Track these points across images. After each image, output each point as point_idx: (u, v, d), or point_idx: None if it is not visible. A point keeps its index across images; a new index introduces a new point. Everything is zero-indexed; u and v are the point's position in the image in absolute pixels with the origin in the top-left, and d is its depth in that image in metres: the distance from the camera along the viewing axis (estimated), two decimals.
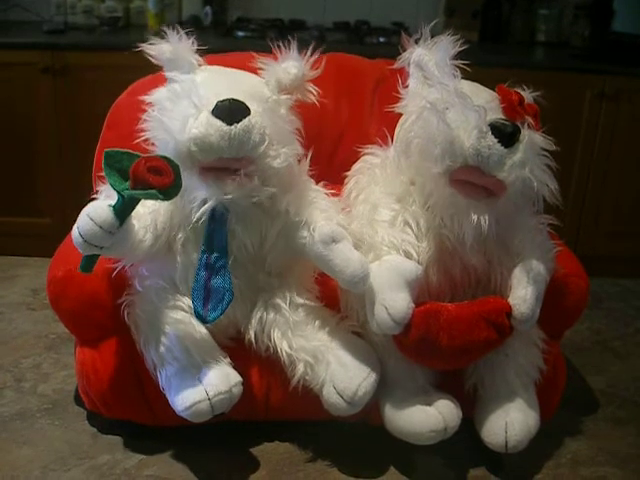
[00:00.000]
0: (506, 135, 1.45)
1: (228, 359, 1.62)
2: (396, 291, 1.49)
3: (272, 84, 1.63)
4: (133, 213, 1.45)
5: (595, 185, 2.78)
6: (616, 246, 2.84)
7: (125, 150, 1.40)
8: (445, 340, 1.51)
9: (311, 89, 1.69)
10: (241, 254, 1.59)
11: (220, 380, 1.55)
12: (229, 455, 1.75)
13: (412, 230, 1.58)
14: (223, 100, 1.46)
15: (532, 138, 1.51)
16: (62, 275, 1.65)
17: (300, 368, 1.60)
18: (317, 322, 1.63)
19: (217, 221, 1.54)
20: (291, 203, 1.57)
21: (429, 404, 1.62)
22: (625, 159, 2.74)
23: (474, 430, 1.68)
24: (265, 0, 3.15)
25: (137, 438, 1.77)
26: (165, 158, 1.39)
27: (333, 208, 1.61)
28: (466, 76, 1.62)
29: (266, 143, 1.48)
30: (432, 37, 1.65)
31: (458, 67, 1.61)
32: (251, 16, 3.08)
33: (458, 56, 1.61)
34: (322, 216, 1.56)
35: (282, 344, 1.61)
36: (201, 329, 1.60)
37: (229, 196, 1.49)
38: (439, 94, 1.53)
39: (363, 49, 2.62)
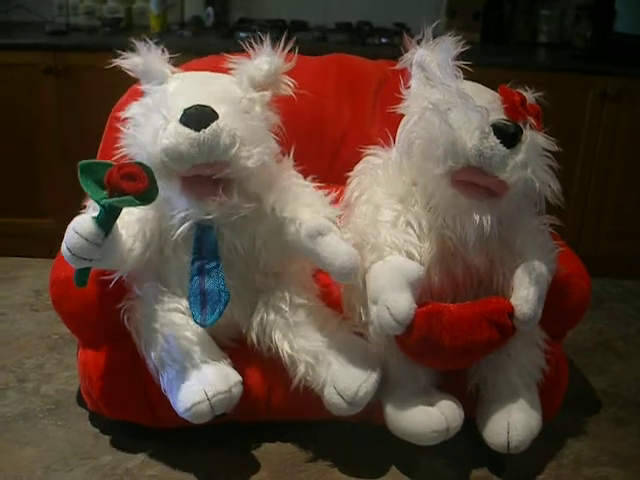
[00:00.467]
0: (508, 136, 1.45)
1: (228, 359, 1.62)
2: (398, 291, 1.49)
3: (245, 82, 1.62)
4: (121, 222, 1.47)
5: (597, 185, 2.78)
6: (618, 246, 2.84)
7: (100, 161, 1.42)
8: (447, 340, 1.51)
9: (287, 82, 1.68)
10: (232, 255, 1.59)
11: (219, 380, 1.55)
12: (230, 455, 1.75)
13: (414, 231, 1.59)
14: (189, 107, 1.46)
15: (534, 139, 1.51)
16: (65, 276, 1.65)
17: (301, 369, 1.60)
18: (318, 322, 1.63)
19: (205, 227, 1.55)
20: (276, 201, 1.57)
21: (431, 404, 1.62)
22: (627, 159, 2.74)
23: (476, 430, 1.68)
24: (267, 1, 3.15)
25: (139, 438, 1.77)
26: (139, 164, 1.41)
27: (319, 201, 1.59)
28: (468, 77, 1.62)
29: (237, 145, 1.47)
30: (434, 38, 1.65)
31: (460, 68, 1.61)
32: (253, 17, 3.08)
33: (460, 57, 1.61)
34: (308, 210, 1.55)
35: (283, 345, 1.61)
36: (199, 330, 1.60)
37: (210, 216, 1.50)
38: (441, 95, 1.53)
39: (365, 50, 2.62)
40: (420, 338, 1.51)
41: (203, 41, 2.83)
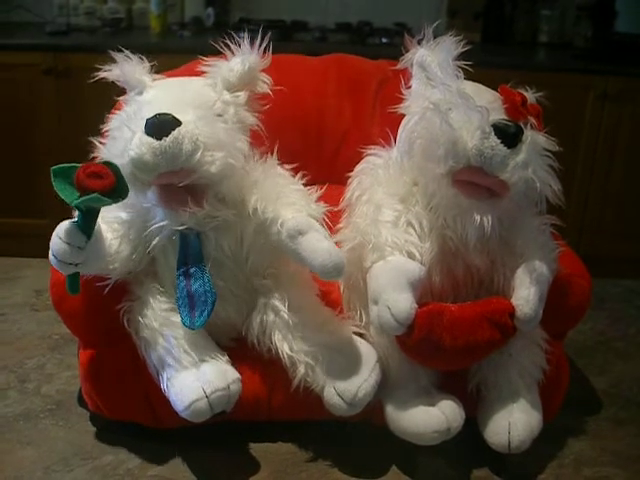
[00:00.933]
0: (509, 136, 1.45)
1: (227, 357, 1.62)
2: (399, 292, 1.49)
3: (219, 85, 1.62)
4: (106, 226, 1.52)
5: (598, 185, 2.77)
6: (619, 247, 2.84)
7: (72, 164, 1.42)
8: (448, 341, 1.51)
9: (264, 79, 1.67)
10: (220, 255, 1.59)
11: (217, 377, 1.55)
12: (231, 456, 1.75)
13: (415, 231, 1.59)
14: (151, 117, 1.47)
15: (535, 139, 1.51)
16: (65, 278, 1.65)
17: (301, 370, 1.60)
18: (318, 323, 1.63)
19: (188, 234, 1.55)
20: (258, 201, 1.57)
21: (432, 404, 1.62)
22: (628, 159, 2.74)
23: (477, 430, 1.68)
24: (267, 1, 3.16)
25: (140, 439, 1.77)
26: (105, 162, 1.42)
27: (303, 199, 1.59)
28: (469, 77, 1.62)
29: (200, 151, 1.46)
30: (435, 38, 1.65)
31: (461, 68, 1.61)
32: (253, 17, 3.08)
33: (461, 57, 1.62)
34: (290, 210, 1.55)
35: (283, 346, 1.61)
36: (198, 329, 1.60)
37: (184, 226, 1.50)
38: (442, 95, 1.53)
39: (365, 50, 2.62)
40: (421, 338, 1.51)
41: (203, 41, 2.82)
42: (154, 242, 1.56)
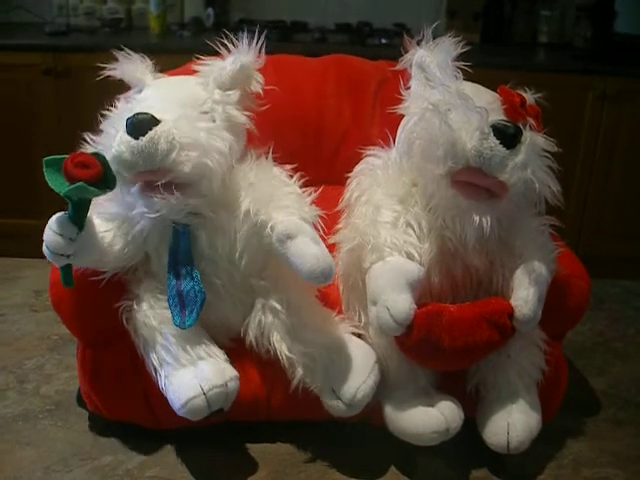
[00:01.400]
0: (508, 136, 1.45)
1: (225, 356, 1.63)
2: (398, 292, 1.49)
3: (211, 84, 1.63)
4: (99, 220, 1.54)
5: (597, 186, 2.78)
6: (618, 247, 2.84)
7: (63, 155, 1.45)
8: (447, 341, 1.51)
9: (257, 78, 1.68)
10: (214, 254, 1.60)
11: (214, 375, 1.55)
12: (230, 456, 1.75)
13: (414, 231, 1.59)
14: (131, 116, 1.48)
15: (534, 139, 1.51)
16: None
17: (299, 371, 1.61)
18: (316, 324, 1.63)
19: (179, 231, 1.56)
20: (251, 203, 1.57)
21: (431, 405, 1.62)
22: (627, 160, 2.74)
23: (476, 431, 1.68)
24: (267, 2, 3.16)
25: (139, 439, 1.77)
26: (92, 153, 1.46)
27: (296, 202, 1.59)
28: (468, 77, 1.62)
29: (176, 150, 1.47)
30: (434, 39, 1.65)
31: (460, 68, 1.61)
32: (253, 18, 3.08)
33: (460, 57, 1.62)
34: (282, 213, 1.55)
35: (281, 347, 1.61)
36: (198, 328, 1.61)
37: (159, 214, 1.51)
38: (441, 95, 1.53)
39: (365, 50, 2.62)
40: (420, 339, 1.51)
41: (203, 42, 2.82)
42: (137, 229, 1.56)
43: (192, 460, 1.73)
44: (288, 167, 1.68)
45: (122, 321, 1.63)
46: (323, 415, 1.63)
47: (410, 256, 1.55)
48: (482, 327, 1.52)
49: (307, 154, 1.96)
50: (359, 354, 1.62)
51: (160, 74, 1.72)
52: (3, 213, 2.75)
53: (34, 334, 2.28)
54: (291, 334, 1.60)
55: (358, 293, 1.65)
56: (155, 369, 1.61)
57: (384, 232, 1.56)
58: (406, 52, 1.68)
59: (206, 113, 1.58)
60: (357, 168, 1.75)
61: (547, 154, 1.53)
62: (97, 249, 1.53)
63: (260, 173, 1.64)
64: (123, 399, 1.72)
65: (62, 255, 1.46)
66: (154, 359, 1.60)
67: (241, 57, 1.64)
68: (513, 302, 1.54)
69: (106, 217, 1.58)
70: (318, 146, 2.01)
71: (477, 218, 1.49)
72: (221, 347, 1.64)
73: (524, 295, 1.53)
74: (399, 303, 1.48)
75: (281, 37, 2.85)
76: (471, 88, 1.60)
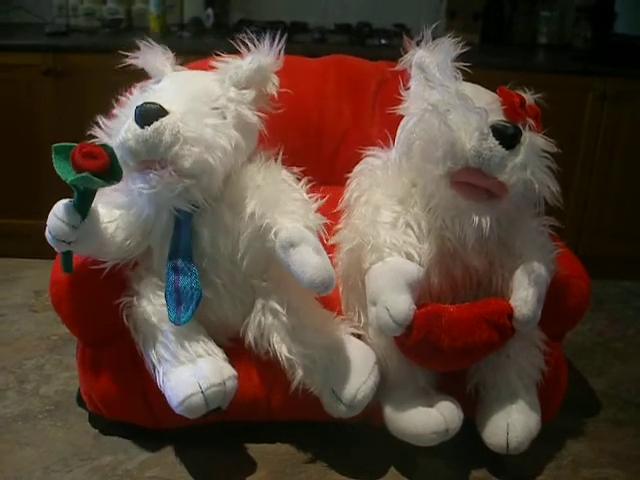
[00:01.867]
0: (507, 137, 1.45)
1: (223, 354, 1.63)
2: (397, 293, 1.49)
3: (226, 82, 1.63)
4: (104, 212, 1.55)
5: (597, 187, 2.78)
6: (618, 248, 2.84)
7: (72, 144, 1.46)
8: (446, 342, 1.51)
9: (273, 80, 1.68)
10: (216, 253, 1.60)
11: (213, 373, 1.55)
12: (230, 456, 1.75)
13: (414, 232, 1.59)
14: (140, 105, 1.49)
15: (533, 140, 1.51)
16: (64, 278, 1.65)
17: (299, 372, 1.61)
18: (316, 325, 1.63)
19: (182, 224, 1.57)
20: (257, 205, 1.57)
21: (430, 405, 1.62)
22: (627, 160, 2.74)
23: (475, 431, 1.68)
24: (267, 2, 3.15)
25: (139, 439, 1.77)
26: (101, 144, 1.47)
27: (302, 209, 1.59)
28: (468, 78, 1.62)
29: (179, 143, 1.48)
30: (433, 39, 1.65)
31: (459, 69, 1.61)
32: (253, 18, 3.08)
33: (460, 58, 1.62)
34: (287, 218, 1.55)
35: (281, 348, 1.61)
36: (197, 326, 1.61)
37: (154, 189, 1.50)
38: (441, 96, 1.53)
39: (364, 51, 2.62)
40: (419, 339, 1.51)
41: (203, 42, 2.83)
42: (142, 218, 1.58)
43: (192, 460, 1.73)
44: (296, 169, 1.69)
45: (122, 318, 1.63)
46: (323, 415, 1.63)
47: (409, 256, 1.55)
48: (481, 327, 1.52)
49: (307, 154, 1.95)
50: (359, 355, 1.62)
51: (180, 67, 1.72)
52: (3, 213, 2.75)
53: (34, 334, 2.28)
54: (291, 335, 1.60)
55: (358, 293, 1.65)
56: (154, 366, 1.61)
57: (383, 232, 1.56)
58: (406, 52, 1.68)
59: (217, 109, 1.58)
60: (357, 168, 1.75)
61: (546, 155, 1.54)
62: (99, 239, 1.54)
63: (268, 175, 1.64)
64: (123, 398, 1.72)
65: (64, 241, 1.48)
66: (153, 356, 1.61)
67: (260, 57, 1.64)
68: (512, 303, 1.54)
69: (111, 207, 1.59)
70: (318, 146, 2.01)
71: (476, 219, 1.49)
72: (220, 346, 1.64)
73: (523, 296, 1.53)
74: (399, 304, 1.48)
75: (281, 37, 2.84)
76: (471, 89, 1.60)
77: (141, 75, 1.98)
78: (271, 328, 1.62)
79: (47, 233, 1.49)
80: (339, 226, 1.70)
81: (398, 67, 1.71)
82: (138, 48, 1.69)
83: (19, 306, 2.45)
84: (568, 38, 3.10)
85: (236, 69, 1.64)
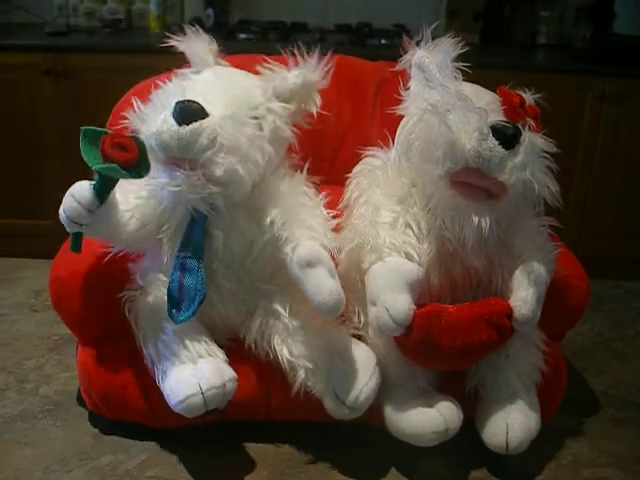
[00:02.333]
0: (507, 137, 1.45)
1: (224, 356, 1.63)
2: (397, 293, 1.49)
3: (269, 91, 1.62)
4: (121, 199, 1.54)
5: (596, 187, 2.78)
6: (617, 248, 2.84)
7: (102, 129, 1.46)
8: (446, 342, 1.51)
9: (315, 99, 1.67)
10: (228, 257, 1.60)
11: (213, 375, 1.55)
12: (230, 456, 1.75)
13: (413, 232, 1.59)
14: (180, 101, 1.48)
15: (533, 140, 1.51)
16: (64, 275, 1.66)
17: (301, 374, 1.61)
18: (317, 327, 1.63)
19: (197, 222, 1.56)
20: (277, 216, 1.57)
21: (430, 406, 1.62)
22: (626, 161, 2.74)
23: (475, 431, 1.68)
24: (267, 2, 3.15)
25: (139, 439, 1.78)
26: (133, 137, 1.46)
27: (321, 226, 1.59)
28: (467, 78, 1.62)
29: (214, 149, 1.47)
30: (433, 39, 1.65)
31: (459, 69, 1.61)
32: (253, 18, 3.08)
33: (459, 58, 1.62)
34: (306, 234, 1.55)
35: (282, 350, 1.61)
36: (198, 325, 1.61)
37: (179, 188, 1.50)
38: (440, 96, 1.53)
39: (364, 51, 2.62)
40: (419, 339, 1.51)
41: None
42: (158, 210, 1.57)
43: (192, 460, 1.73)
44: (315, 179, 1.69)
45: (123, 313, 1.63)
46: (323, 416, 1.63)
47: (409, 257, 1.55)
48: (481, 327, 1.52)
49: (306, 153, 1.95)
50: (360, 356, 1.62)
51: (222, 61, 1.71)
52: (2, 213, 2.75)
53: (34, 334, 2.28)
54: (292, 337, 1.61)
55: (357, 294, 1.65)
56: (152, 362, 1.61)
57: (383, 233, 1.56)
58: (405, 53, 1.68)
59: (256, 119, 1.57)
60: (356, 169, 1.75)
61: (546, 155, 1.54)
62: (112, 225, 1.53)
63: (291, 186, 1.64)
64: (123, 397, 1.71)
65: (77, 223, 1.47)
66: (153, 352, 1.61)
67: (306, 73, 1.63)
68: (512, 303, 1.54)
69: (128, 195, 1.57)
70: (317, 146, 2.01)
71: (476, 219, 1.49)
72: (219, 346, 1.64)
73: (523, 296, 1.53)
74: (398, 303, 1.48)
75: (281, 37, 2.85)
76: (471, 89, 1.60)
77: (144, 74, 1.99)
78: (272, 330, 1.63)
79: (61, 212, 1.47)
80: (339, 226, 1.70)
81: (398, 67, 1.71)
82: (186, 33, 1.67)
83: (19, 306, 2.45)
84: (568, 38, 3.09)
85: (282, 80, 1.62)
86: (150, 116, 1.53)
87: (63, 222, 1.49)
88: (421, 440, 1.62)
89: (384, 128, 1.77)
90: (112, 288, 1.65)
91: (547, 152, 1.54)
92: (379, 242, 1.55)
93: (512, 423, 1.61)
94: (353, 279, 1.65)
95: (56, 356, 2.15)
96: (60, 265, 1.70)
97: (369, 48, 2.80)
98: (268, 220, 1.57)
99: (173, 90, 1.57)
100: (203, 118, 1.47)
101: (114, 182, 1.48)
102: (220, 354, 1.62)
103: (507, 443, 1.61)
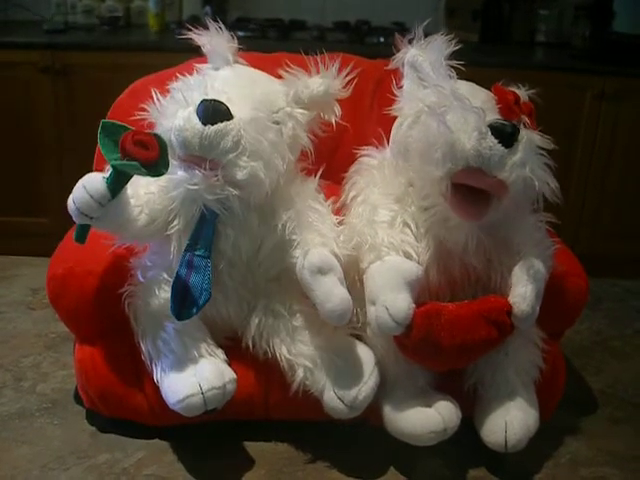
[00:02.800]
0: (506, 135, 1.45)
1: (224, 356, 1.63)
2: (397, 292, 1.49)
3: (290, 96, 1.62)
4: (131, 193, 1.51)
5: (595, 185, 2.78)
6: (616, 247, 2.84)
7: (122, 123, 1.44)
8: (446, 340, 1.51)
9: (335, 109, 1.67)
10: (236, 256, 1.59)
11: (214, 375, 1.55)
12: (228, 455, 1.75)
13: (411, 231, 1.59)
14: (206, 100, 1.47)
15: (530, 137, 1.51)
16: (62, 273, 1.65)
17: (300, 373, 1.60)
18: (316, 326, 1.62)
19: (207, 219, 1.55)
20: (288, 220, 1.57)
21: (429, 405, 1.62)
22: (625, 159, 2.74)
23: (474, 430, 1.68)
24: (265, 0, 3.15)
25: (136, 437, 1.77)
26: (155, 135, 1.43)
27: (333, 234, 1.59)
28: (466, 77, 1.62)
29: (237, 152, 1.46)
30: (426, 36, 1.64)
31: (453, 67, 1.60)
32: (251, 16, 3.08)
33: (455, 56, 1.61)
34: (317, 240, 1.55)
35: (281, 349, 1.61)
36: (199, 324, 1.61)
37: (196, 187, 1.49)
38: (436, 97, 1.52)
39: (363, 49, 2.61)
40: (419, 338, 1.50)
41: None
42: (169, 208, 1.55)
43: (189, 459, 1.72)
44: (323, 183, 1.69)
45: (123, 309, 1.62)
46: (321, 415, 1.63)
47: (407, 255, 1.55)
48: (481, 325, 1.52)
49: (304, 152, 1.95)
50: (359, 356, 1.62)
51: (241, 60, 1.71)
52: (0, 211, 2.74)
53: (31, 332, 2.27)
54: (292, 336, 1.61)
55: (356, 293, 1.64)
56: (150, 358, 1.61)
57: (381, 232, 1.56)
58: (398, 51, 1.67)
59: (277, 124, 1.57)
60: (352, 168, 1.75)
61: (543, 151, 1.53)
62: (122, 219, 1.51)
63: (303, 190, 1.64)
64: (120, 395, 1.71)
65: (86, 215, 1.44)
66: (152, 349, 1.60)
67: (329, 82, 1.63)
68: (511, 299, 1.54)
69: (139, 189, 1.56)
70: (316, 145, 2.00)
71: (463, 239, 1.52)
72: (218, 344, 1.64)
73: (522, 292, 1.53)
74: (398, 303, 1.48)
75: (279, 35, 2.84)
76: (465, 87, 1.59)
77: (142, 72, 1.99)
78: (271, 329, 1.62)
79: (70, 203, 1.44)
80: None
81: (391, 66, 1.70)
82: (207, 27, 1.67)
83: (16, 304, 2.45)
84: (566, 37, 3.09)
85: (304, 87, 1.62)
86: (169, 109, 1.51)
87: (71, 213, 1.45)
88: (420, 440, 1.61)
89: (382, 126, 1.77)
90: (109, 286, 1.65)
91: (544, 149, 1.54)
92: (377, 241, 1.55)
93: (511, 421, 1.61)
94: (351, 279, 1.65)
95: (53, 354, 2.15)
96: (57, 263, 1.69)
97: (368, 46, 2.79)
98: (279, 223, 1.57)
99: (195, 84, 1.56)
100: (228, 119, 1.46)
101: (128, 177, 1.46)
102: (220, 354, 1.62)
103: (506, 441, 1.61)
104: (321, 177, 1.70)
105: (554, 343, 1.76)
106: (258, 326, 1.63)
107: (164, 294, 1.59)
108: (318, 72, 1.66)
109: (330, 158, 1.97)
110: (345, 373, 1.58)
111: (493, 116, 1.50)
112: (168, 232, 1.58)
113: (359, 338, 1.67)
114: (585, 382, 2.17)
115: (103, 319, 1.68)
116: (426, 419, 1.60)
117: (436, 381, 1.69)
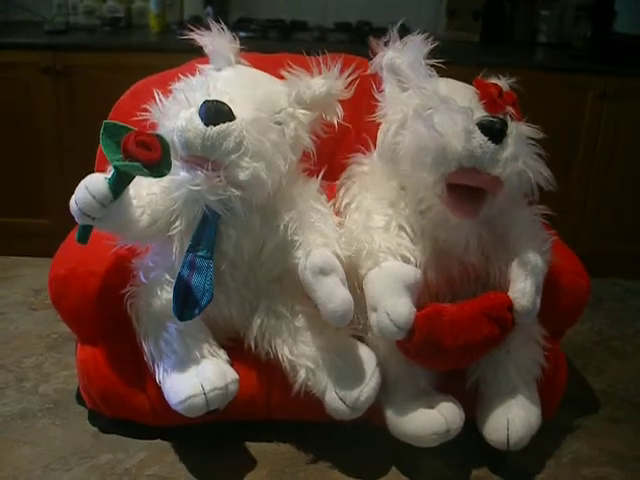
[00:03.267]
0: (495, 132, 1.45)
1: (226, 357, 1.63)
2: (397, 297, 1.49)
3: (292, 96, 1.62)
4: (134, 194, 1.51)
5: (596, 185, 2.78)
6: (617, 247, 2.84)
7: (124, 124, 1.44)
8: (449, 341, 1.50)
9: (337, 110, 1.67)
10: (238, 257, 1.60)
11: (216, 376, 1.55)
12: (230, 455, 1.75)
13: (407, 234, 1.59)
14: (209, 101, 1.47)
15: (519, 129, 1.52)
16: (64, 273, 1.65)
17: (301, 374, 1.60)
18: (318, 327, 1.62)
19: (209, 220, 1.55)
20: (290, 221, 1.57)
21: (431, 406, 1.62)
22: (626, 160, 2.74)
23: (475, 430, 1.68)
24: (266, 1, 3.15)
25: (138, 438, 1.77)
26: (157, 136, 1.43)
27: (335, 235, 1.59)
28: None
29: (239, 153, 1.47)
30: (401, 38, 1.64)
31: (433, 66, 1.59)
32: (252, 17, 3.08)
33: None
34: (319, 241, 1.55)
35: (283, 350, 1.61)
36: (202, 325, 1.61)
37: (198, 187, 1.49)
38: (419, 98, 1.52)
39: (364, 50, 2.61)
40: (421, 341, 1.50)
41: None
42: (172, 208, 1.55)
43: (191, 459, 1.73)
44: (325, 183, 1.69)
45: (125, 310, 1.62)
46: (323, 415, 1.63)
47: (405, 259, 1.55)
48: (482, 323, 1.52)
49: (304, 154, 1.96)
50: (361, 356, 1.62)
51: (244, 60, 1.71)
52: (1, 212, 2.75)
53: (33, 332, 2.27)
54: (294, 337, 1.61)
55: (356, 298, 1.63)
56: (153, 359, 1.61)
57: (377, 237, 1.56)
58: (374, 55, 1.66)
59: (279, 124, 1.57)
60: (343, 175, 1.75)
61: (533, 142, 1.53)
62: (124, 220, 1.51)
63: (305, 191, 1.64)
64: (122, 395, 1.71)
65: (88, 216, 1.44)
66: (154, 350, 1.60)
67: (331, 83, 1.63)
68: (511, 295, 1.54)
69: (141, 189, 1.55)
70: (316, 146, 2.01)
71: (465, 238, 1.52)
72: (220, 345, 1.64)
73: (521, 287, 1.52)
74: (399, 307, 1.48)
75: (280, 36, 2.84)
76: (446, 85, 1.59)
77: (143, 72, 1.99)
78: (273, 330, 1.63)
79: (73, 204, 1.44)
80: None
81: (369, 71, 1.69)
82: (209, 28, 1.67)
83: (18, 304, 2.45)
84: (568, 37, 3.09)
85: (306, 87, 1.62)
86: (171, 110, 1.52)
87: (74, 213, 1.45)
88: (423, 441, 1.61)
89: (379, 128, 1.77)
90: (112, 286, 1.65)
91: (533, 139, 1.54)
92: (374, 247, 1.55)
93: (513, 418, 1.61)
94: (351, 284, 1.65)
95: (55, 354, 2.15)
96: (60, 263, 1.69)
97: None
98: (281, 223, 1.57)
99: (198, 85, 1.56)
100: (230, 120, 1.46)
101: (131, 178, 1.46)
102: (222, 354, 1.62)
103: (508, 438, 1.61)
104: (323, 178, 1.70)
105: (555, 341, 1.76)
106: (260, 327, 1.64)
107: (166, 295, 1.59)
108: (320, 73, 1.66)
109: (332, 159, 1.97)
110: (347, 374, 1.58)
111: (478, 112, 1.49)
112: (170, 233, 1.58)
113: (361, 339, 1.67)
114: (586, 382, 2.17)
115: (105, 320, 1.68)
116: (429, 420, 1.60)
117: (438, 381, 1.69)
